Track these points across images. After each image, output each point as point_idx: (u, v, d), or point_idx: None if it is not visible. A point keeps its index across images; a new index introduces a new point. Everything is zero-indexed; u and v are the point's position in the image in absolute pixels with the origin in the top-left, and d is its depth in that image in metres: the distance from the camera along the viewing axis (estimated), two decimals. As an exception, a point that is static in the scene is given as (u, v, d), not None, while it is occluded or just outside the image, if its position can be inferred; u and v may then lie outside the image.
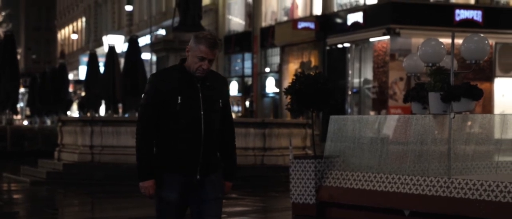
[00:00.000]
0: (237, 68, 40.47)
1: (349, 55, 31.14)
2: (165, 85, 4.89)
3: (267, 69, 37.44)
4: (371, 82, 29.56)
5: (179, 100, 4.86)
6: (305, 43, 33.57)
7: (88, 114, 31.48)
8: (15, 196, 14.56)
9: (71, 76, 56.27)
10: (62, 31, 78.76)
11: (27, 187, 15.16)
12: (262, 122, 16.48)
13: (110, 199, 13.15)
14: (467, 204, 6.11)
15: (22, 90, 50.07)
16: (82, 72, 57.36)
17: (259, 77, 37.70)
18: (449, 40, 6.76)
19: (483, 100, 26.37)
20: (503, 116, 7.18)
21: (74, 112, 49.14)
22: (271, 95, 37.43)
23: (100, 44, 54.16)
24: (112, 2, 60.42)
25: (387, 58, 28.61)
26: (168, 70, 5.04)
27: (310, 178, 7.39)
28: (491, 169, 7.49)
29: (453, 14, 28.60)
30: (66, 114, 35.13)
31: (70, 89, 47.06)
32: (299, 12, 34.96)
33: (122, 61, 30.99)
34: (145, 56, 39.60)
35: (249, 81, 38.85)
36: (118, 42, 34.16)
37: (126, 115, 29.79)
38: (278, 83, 35.86)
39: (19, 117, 40.62)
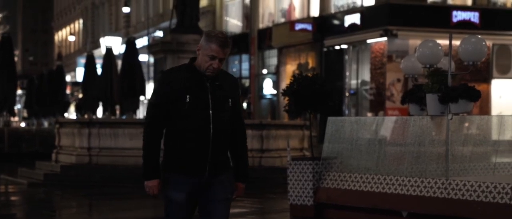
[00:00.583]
0: (234, 69, 40.49)
1: (346, 57, 31.16)
2: (174, 84, 4.83)
3: (265, 71, 37.45)
4: (368, 83, 29.58)
5: (188, 100, 4.80)
6: (302, 45, 33.59)
7: (86, 116, 31.46)
8: (13, 198, 14.55)
9: (68, 78, 56.25)
10: (60, 33, 78.71)
11: (24, 189, 15.15)
12: (260, 124, 16.50)
13: (108, 201, 13.15)
14: (465, 206, 6.11)
15: (19, 92, 50.00)
16: (79, 74, 57.32)
17: (257, 79, 37.71)
18: (446, 42, 6.78)
19: (481, 102, 26.41)
20: (501, 117, 7.19)
21: (71, 114, 49.11)
22: (268, 96, 37.44)
23: (98, 46, 54.12)
24: (109, 4, 60.41)
25: (385, 59, 28.63)
26: (177, 69, 4.97)
27: (308, 179, 7.39)
28: (489, 170, 7.50)
29: (450, 16, 28.63)
30: (64, 116, 35.09)
31: (68, 91, 47.05)
32: (297, 14, 34.98)
33: (119, 63, 30.96)
34: (143, 57, 39.57)
35: (246, 82, 38.86)
36: (115, 43, 34.22)
37: (124, 117, 29.78)
38: (276, 85, 35.88)
39: (16, 119, 40.60)
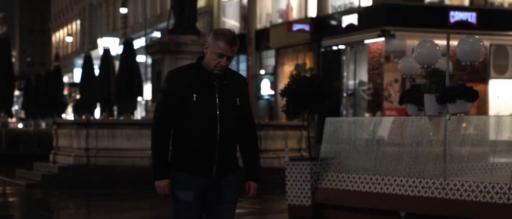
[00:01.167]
0: (232, 70, 40.45)
1: (344, 57, 31.17)
2: (181, 84, 4.80)
3: (262, 71, 37.46)
4: (366, 84, 29.59)
5: (194, 99, 4.77)
6: (300, 45, 33.59)
7: (83, 117, 31.45)
8: (10, 199, 14.54)
9: (66, 79, 56.20)
10: (57, 33, 78.67)
11: (22, 190, 15.14)
12: (258, 124, 16.47)
13: (106, 202, 13.14)
14: (463, 206, 6.12)
15: (17, 93, 50.00)
16: (77, 74, 57.28)
17: (254, 79, 37.71)
18: (444, 42, 6.78)
19: (478, 102, 26.42)
20: (498, 117, 7.20)
21: (69, 115, 49.08)
22: (266, 97, 37.45)
23: (95, 46, 54.14)
24: (107, 5, 60.38)
25: (382, 60, 28.64)
26: (184, 68, 4.94)
27: (306, 180, 7.40)
28: (487, 170, 7.51)
29: (447, 16, 28.65)
30: (61, 117, 35.08)
31: (65, 92, 47.01)
32: (294, 14, 34.99)
33: (117, 63, 30.97)
34: (140, 58, 39.56)
35: (244, 83, 38.81)
36: (113, 44, 34.25)
37: (121, 118, 29.78)
38: (273, 85, 35.88)
39: (14, 120, 40.59)
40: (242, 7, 39.68)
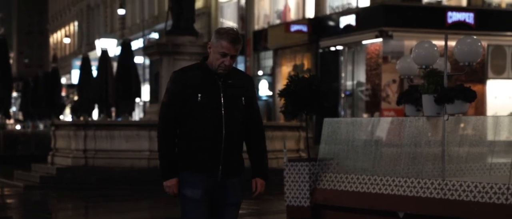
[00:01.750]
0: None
1: (342, 58, 31.18)
2: (186, 84, 4.79)
3: (260, 72, 37.46)
4: (364, 84, 29.60)
5: (199, 99, 4.76)
6: (298, 46, 33.60)
7: (81, 118, 31.44)
8: (9, 201, 14.53)
9: (63, 80, 56.19)
10: (55, 35, 78.64)
11: (20, 191, 15.14)
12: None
13: (104, 203, 13.14)
14: (462, 206, 6.12)
15: (14, 94, 49.97)
16: (74, 76, 57.29)
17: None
18: (441, 42, 6.79)
19: (476, 102, 26.43)
20: (496, 118, 7.20)
21: (67, 116, 49.07)
22: (264, 98, 37.46)
23: (93, 48, 54.08)
24: (104, 6, 60.36)
25: (380, 60, 28.66)
26: (189, 68, 4.92)
27: (305, 180, 7.40)
28: (485, 171, 7.52)
29: (445, 17, 28.67)
30: (59, 118, 35.07)
31: (63, 93, 47.01)
32: (292, 15, 34.99)
33: (115, 65, 30.97)
34: (138, 59, 39.56)
35: (242, 84, 38.80)
36: (110, 45, 34.21)
37: (119, 119, 29.78)
38: (271, 86, 35.89)
39: (12, 121, 40.57)
40: (240, 8, 39.69)
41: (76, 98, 42.93)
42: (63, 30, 74.60)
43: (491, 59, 29.80)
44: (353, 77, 30.57)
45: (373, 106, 28.77)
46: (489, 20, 29.31)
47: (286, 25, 33.38)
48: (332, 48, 31.61)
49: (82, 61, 34.27)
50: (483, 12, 29.62)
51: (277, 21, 36.04)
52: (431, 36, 23.18)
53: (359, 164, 7.38)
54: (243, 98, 4.88)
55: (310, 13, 33.29)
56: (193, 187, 4.81)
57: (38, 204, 13.50)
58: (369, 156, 7.42)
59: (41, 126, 36.25)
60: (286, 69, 34.52)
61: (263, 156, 5.01)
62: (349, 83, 30.85)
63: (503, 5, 31.10)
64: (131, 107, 31.27)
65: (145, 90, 35.45)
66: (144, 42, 41.84)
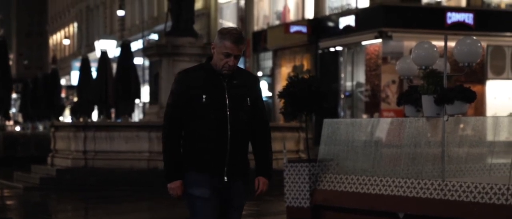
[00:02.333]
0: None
1: (341, 59, 31.19)
2: (190, 84, 4.76)
3: (260, 73, 37.46)
4: (363, 85, 29.60)
5: (204, 100, 4.73)
6: (297, 47, 33.61)
7: (81, 119, 31.43)
8: (8, 202, 14.53)
9: (63, 82, 56.22)
10: (54, 36, 78.64)
11: (20, 192, 15.13)
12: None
13: (104, 204, 13.13)
14: (461, 207, 6.13)
15: (14, 95, 49.96)
16: (74, 77, 57.30)
17: (252, 81, 37.68)
18: (441, 43, 6.79)
19: (476, 103, 26.42)
20: (496, 118, 7.21)
21: (66, 117, 49.07)
22: (264, 99, 37.46)
23: (92, 49, 54.07)
24: (104, 7, 60.37)
25: (379, 61, 28.66)
26: (193, 69, 4.90)
27: (305, 181, 7.40)
28: (485, 171, 7.52)
29: (444, 17, 28.67)
30: (59, 120, 35.06)
31: (62, 95, 47.02)
32: (291, 16, 35.00)
33: (114, 66, 30.96)
34: (138, 61, 39.56)
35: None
36: (110, 47, 34.21)
37: (119, 120, 29.76)
38: (271, 87, 35.89)
39: (11, 122, 40.55)
40: (239, 9, 39.70)
41: (75, 99, 42.91)
42: (62, 32, 74.60)
43: (490, 60, 29.80)
44: (353, 77, 30.57)
45: (373, 106, 28.77)
46: (489, 21, 29.31)
47: (285, 26, 33.38)
48: (332, 49, 31.61)
49: (81, 63, 34.25)
50: (483, 13, 29.62)
51: (277, 22, 36.05)
52: (431, 37, 23.20)
53: (359, 165, 7.39)
54: (248, 98, 4.85)
55: (309, 14, 33.29)
56: (200, 186, 4.77)
57: (37, 206, 13.49)
58: (369, 156, 7.42)
59: (41, 128, 36.23)
60: (285, 70, 34.53)
61: (267, 155, 4.98)
62: (348, 84, 30.85)
63: (503, 6, 31.12)
64: (131, 108, 31.26)
65: (145, 91, 35.45)
66: (143, 43, 41.84)
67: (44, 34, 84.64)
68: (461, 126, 7.21)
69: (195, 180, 4.79)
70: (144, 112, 35.01)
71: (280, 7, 36.11)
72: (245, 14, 38.22)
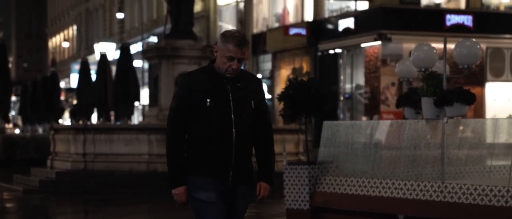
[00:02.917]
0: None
1: (340, 61, 31.20)
2: (194, 88, 4.70)
3: (259, 75, 37.49)
4: (363, 87, 29.62)
5: (208, 103, 4.68)
6: (296, 49, 33.62)
7: (80, 122, 31.44)
8: (8, 205, 14.52)
9: (62, 84, 56.18)
10: (53, 39, 78.65)
11: (20, 195, 15.13)
12: (255, 128, 16.46)
13: (103, 207, 13.13)
14: (461, 209, 6.13)
15: (13, 98, 49.94)
16: (73, 80, 57.29)
17: (251, 84, 37.67)
18: (440, 45, 6.80)
19: (475, 105, 26.43)
20: (495, 120, 7.21)
21: (66, 120, 49.06)
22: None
23: (92, 51, 54.09)
24: (103, 10, 60.38)
25: (379, 63, 28.67)
26: (196, 72, 4.84)
27: (304, 183, 7.40)
28: (485, 173, 7.52)
29: (444, 19, 28.69)
30: (58, 122, 35.06)
31: (62, 97, 47.02)
32: (291, 18, 35.02)
33: (113, 68, 30.98)
34: (137, 63, 39.56)
35: (241, 87, 38.76)
36: (109, 49, 34.23)
37: (118, 123, 29.76)
38: (270, 89, 35.90)
39: (10, 125, 40.57)
40: (238, 11, 39.71)
41: (75, 102, 42.92)
42: (62, 34, 74.61)
43: (490, 62, 29.82)
44: (352, 80, 30.58)
45: (372, 109, 28.78)
46: (488, 23, 29.33)
47: (285, 28, 33.40)
48: (331, 51, 31.63)
49: (81, 65, 34.26)
50: (482, 15, 29.64)
51: (276, 25, 36.06)
52: (430, 39, 23.19)
53: (358, 167, 7.39)
54: (252, 101, 4.80)
55: (308, 16, 33.31)
56: (206, 190, 4.72)
57: (37, 208, 13.48)
58: (368, 159, 7.42)
59: (40, 130, 36.23)
60: (285, 72, 34.54)
61: (269, 160, 4.91)
62: (348, 86, 30.86)
63: (502, 8, 31.14)
64: (130, 111, 31.26)
65: (144, 94, 35.43)
66: (143, 46, 41.83)
67: (44, 37, 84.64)
68: (461, 128, 7.21)
69: (200, 184, 4.73)
70: (143, 115, 35.03)
71: (279, 10, 36.13)
72: (244, 17, 38.23)
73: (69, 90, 57.62)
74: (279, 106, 8.01)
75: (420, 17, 28.82)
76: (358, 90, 30.25)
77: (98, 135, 15.93)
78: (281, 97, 7.64)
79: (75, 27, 68.95)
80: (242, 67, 4.87)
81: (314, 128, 24.13)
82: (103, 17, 60.14)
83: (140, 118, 41.27)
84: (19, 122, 47.01)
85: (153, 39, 44.10)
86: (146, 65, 32.11)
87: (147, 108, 22.60)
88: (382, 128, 7.74)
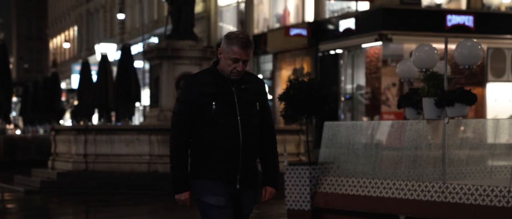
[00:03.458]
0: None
1: (341, 61, 31.19)
2: (198, 91, 4.61)
3: (260, 76, 37.47)
4: (363, 88, 29.60)
5: (214, 106, 4.59)
6: (297, 50, 33.62)
7: (81, 123, 31.43)
8: (9, 206, 14.52)
9: (63, 85, 56.20)
10: (54, 40, 78.66)
11: (21, 196, 15.13)
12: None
13: (104, 207, 13.13)
14: (462, 209, 6.12)
15: (14, 99, 49.98)
16: (74, 81, 57.29)
17: (252, 84, 37.64)
18: (441, 46, 6.80)
19: (476, 105, 26.42)
20: (496, 121, 7.21)
21: (66, 121, 49.07)
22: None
23: (93, 52, 54.13)
24: (104, 11, 60.40)
25: (380, 64, 28.66)
26: (200, 74, 4.73)
27: (305, 184, 7.40)
28: (486, 173, 7.52)
29: (444, 20, 28.68)
30: (59, 123, 35.06)
31: (63, 98, 47.01)
32: (291, 19, 35.02)
33: (114, 69, 30.97)
34: (138, 64, 39.57)
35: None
36: (110, 50, 34.26)
37: (119, 124, 29.76)
38: (271, 90, 35.90)
39: (12, 126, 40.57)
40: (239, 12, 39.71)
41: (76, 102, 42.90)
42: (62, 35, 74.62)
43: (491, 62, 29.80)
44: (353, 80, 30.57)
45: (373, 109, 28.77)
46: (489, 23, 29.31)
47: (285, 29, 33.40)
48: (332, 52, 31.62)
49: (81, 66, 34.24)
50: (483, 15, 29.63)
51: (277, 25, 36.07)
52: (431, 39, 23.21)
53: (359, 167, 7.39)
54: (257, 103, 4.73)
55: (309, 17, 33.31)
56: (215, 194, 4.64)
57: (38, 209, 13.49)
58: (369, 159, 7.42)
59: (41, 131, 36.24)
60: (285, 73, 34.53)
61: (274, 163, 4.87)
62: (349, 87, 30.85)
63: (503, 8, 31.12)
64: (131, 112, 31.26)
65: (145, 95, 35.45)
66: (143, 47, 41.83)
67: (45, 38, 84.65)
68: (462, 128, 7.21)
69: (208, 188, 4.65)
70: (144, 115, 35.02)
71: (280, 10, 36.13)
72: (245, 17, 38.23)
73: (70, 91, 57.64)
74: (280, 106, 8.01)
75: (421, 18, 28.81)
76: (359, 90, 30.24)
77: (99, 136, 15.93)
78: (282, 97, 7.64)
79: (76, 28, 68.96)
80: (242, 68, 4.83)
81: (315, 128, 24.12)
82: (104, 18, 60.14)
83: (141, 119, 41.27)
84: (20, 123, 47.03)
85: (154, 40, 44.11)
86: (147, 66, 32.11)
87: (148, 109, 22.61)
88: (383, 129, 7.75)
